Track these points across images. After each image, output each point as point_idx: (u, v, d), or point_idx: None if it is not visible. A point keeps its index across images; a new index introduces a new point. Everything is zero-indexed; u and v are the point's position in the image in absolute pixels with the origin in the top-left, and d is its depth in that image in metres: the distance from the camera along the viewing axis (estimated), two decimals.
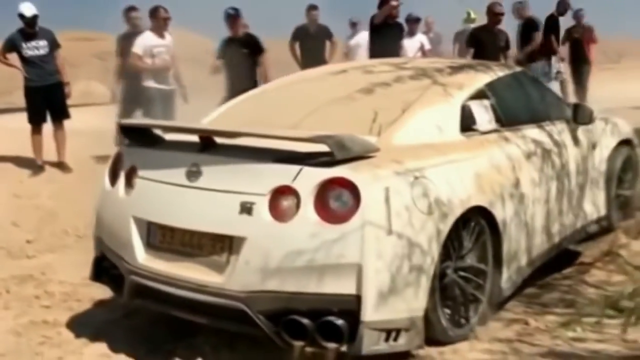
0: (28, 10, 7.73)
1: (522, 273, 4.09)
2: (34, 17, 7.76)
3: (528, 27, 9.89)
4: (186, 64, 8.77)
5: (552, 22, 10.32)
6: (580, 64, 11.07)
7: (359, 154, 3.25)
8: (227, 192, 3.31)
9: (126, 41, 8.42)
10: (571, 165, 4.64)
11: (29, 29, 7.78)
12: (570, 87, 11.05)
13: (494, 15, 8.76)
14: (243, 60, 8.12)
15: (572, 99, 10.40)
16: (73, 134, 8.15)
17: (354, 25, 10.90)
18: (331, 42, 9.92)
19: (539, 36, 9.81)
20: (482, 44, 8.64)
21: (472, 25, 10.59)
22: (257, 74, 8.26)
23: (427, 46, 10.15)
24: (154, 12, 8.10)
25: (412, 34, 10.09)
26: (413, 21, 10.14)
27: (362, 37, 10.28)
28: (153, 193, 3.58)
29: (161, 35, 8.10)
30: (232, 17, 8.27)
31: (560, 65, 10.28)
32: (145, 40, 8.05)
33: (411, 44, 10.00)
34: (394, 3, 8.29)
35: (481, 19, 10.21)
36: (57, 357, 3.84)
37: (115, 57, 8.76)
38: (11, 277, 5.21)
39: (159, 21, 8.09)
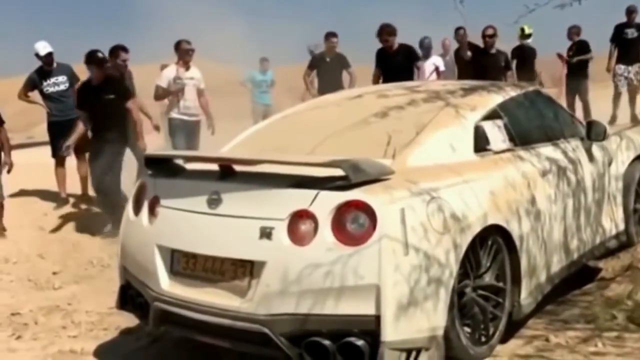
0: (43, 49, 7.93)
1: (542, 290, 4.11)
2: (49, 55, 7.95)
3: None
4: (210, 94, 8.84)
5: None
6: (578, 79, 11.13)
7: (374, 177, 3.32)
8: (247, 217, 3.38)
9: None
10: (587, 182, 4.67)
11: (47, 66, 7.98)
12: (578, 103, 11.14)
13: (484, 37, 9.37)
14: (108, 107, 7.11)
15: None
16: None
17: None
18: (348, 72, 9.89)
19: None
20: (481, 66, 8.98)
21: (529, 41, 10.72)
22: (126, 121, 7.26)
23: (442, 68, 10.25)
24: (178, 45, 8.24)
25: (426, 56, 10.24)
26: (424, 45, 10.27)
27: None
28: (176, 221, 3.67)
29: (186, 68, 8.23)
30: (99, 61, 7.23)
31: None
32: (170, 73, 8.20)
33: (427, 66, 10.13)
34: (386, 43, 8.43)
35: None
36: None
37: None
38: (39, 309, 5.32)
39: (182, 53, 8.22)
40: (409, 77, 8.28)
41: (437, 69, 10.15)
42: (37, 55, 7.95)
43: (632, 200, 5.27)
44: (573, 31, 11.23)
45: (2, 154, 7.19)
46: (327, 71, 9.64)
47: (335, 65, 9.72)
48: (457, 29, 10.18)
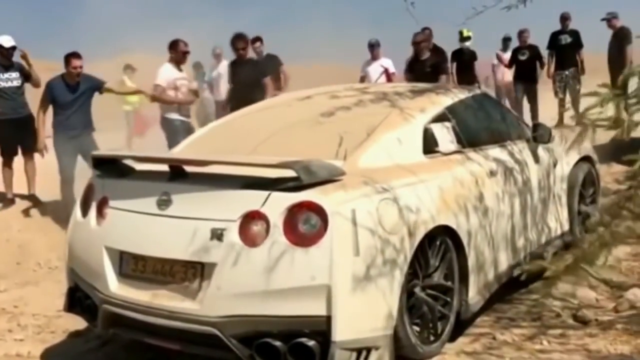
0: (7, 41, 7.74)
1: (489, 289, 4.20)
2: (13, 49, 7.77)
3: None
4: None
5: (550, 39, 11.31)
6: (527, 83, 11.28)
7: (325, 178, 3.34)
8: (198, 219, 3.37)
9: None
10: (533, 183, 4.78)
11: (5, 60, 7.78)
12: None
13: (412, 44, 9.41)
14: None
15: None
16: (43, 166, 8.12)
17: (217, 57, 11.24)
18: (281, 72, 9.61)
19: None
20: (414, 72, 9.20)
21: (467, 44, 10.84)
22: None
23: (392, 69, 10.15)
24: (174, 45, 8.05)
25: (374, 59, 10.18)
26: (372, 46, 10.21)
27: (223, 67, 10.55)
28: (124, 223, 3.63)
29: (179, 69, 8.07)
30: None
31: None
32: (167, 73, 7.96)
33: (373, 69, 10.06)
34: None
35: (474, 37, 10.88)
36: None
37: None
38: None
39: (179, 54, 8.04)
40: (260, 90, 8.08)
41: (386, 70, 10.05)
42: None
43: (576, 201, 5.41)
44: (525, 35, 11.38)
45: None
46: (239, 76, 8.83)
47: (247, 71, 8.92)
48: (423, 29, 10.24)
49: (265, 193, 3.29)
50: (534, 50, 11.41)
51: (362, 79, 10.00)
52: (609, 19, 10.78)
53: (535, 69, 11.42)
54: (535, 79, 11.44)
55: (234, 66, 8.57)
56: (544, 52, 11.50)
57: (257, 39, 10.07)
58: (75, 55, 7.60)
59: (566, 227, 5.27)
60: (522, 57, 11.31)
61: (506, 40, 11.97)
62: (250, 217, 3.28)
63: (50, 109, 7.66)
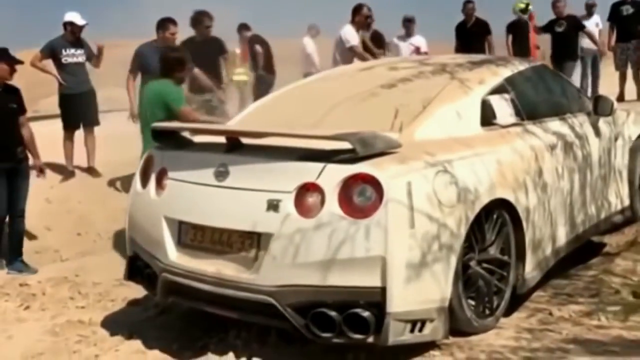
0: (80, 19, 7.90)
1: (546, 264, 4.13)
2: (84, 27, 7.93)
3: None
4: None
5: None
6: (566, 59, 10.44)
7: (381, 150, 3.33)
8: (254, 190, 3.41)
9: None
10: (593, 157, 4.67)
11: (72, 36, 7.91)
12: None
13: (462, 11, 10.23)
14: (7, 117, 5.84)
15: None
16: (101, 139, 8.30)
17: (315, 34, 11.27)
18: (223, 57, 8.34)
19: None
20: (462, 34, 10.10)
21: (525, 15, 10.58)
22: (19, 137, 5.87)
23: (424, 48, 9.86)
24: (358, 9, 8.16)
25: (408, 35, 9.96)
26: (408, 21, 10.00)
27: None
28: (183, 193, 3.70)
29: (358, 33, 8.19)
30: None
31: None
32: (354, 35, 8.08)
33: (404, 46, 9.82)
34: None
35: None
36: (94, 355, 3.97)
37: None
38: (47, 280, 5.36)
39: (362, 18, 8.18)
40: (216, 69, 7.76)
41: (417, 49, 9.75)
42: (69, 23, 7.87)
43: (637, 176, 5.28)
44: (560, 4, 10.50)
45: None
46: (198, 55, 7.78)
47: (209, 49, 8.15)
48: (466, 3, 10.12)
49: (320, 165, 3.30)
50: (572, 21, 10.59)
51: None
52: None
53: (575, 43, 10.61)
54: (574, 55, 10.57)
55: (190, 44, 7.64)
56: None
57: (244, 26, 9.96)
58: (172, 20, 7.37)
59: (626, 202, 5.15)
60: (559, 29, 10.44)
61: (591, 7, 11.29)
62: (306, 189, 3.30)
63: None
